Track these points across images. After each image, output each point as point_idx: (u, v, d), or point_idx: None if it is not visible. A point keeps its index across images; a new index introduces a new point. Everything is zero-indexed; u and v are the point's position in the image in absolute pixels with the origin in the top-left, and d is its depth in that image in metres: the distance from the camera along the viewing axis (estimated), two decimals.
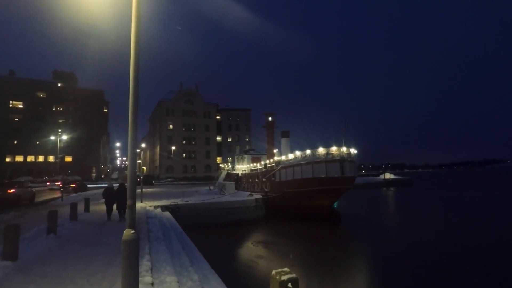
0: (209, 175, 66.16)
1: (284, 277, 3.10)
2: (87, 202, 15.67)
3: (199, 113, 74.17)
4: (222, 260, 10.84)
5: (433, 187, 58.03)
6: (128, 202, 3.13)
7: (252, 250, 14.39)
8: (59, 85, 66.21)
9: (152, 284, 5.29)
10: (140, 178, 23.87)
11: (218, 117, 78.68)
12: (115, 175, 68.64)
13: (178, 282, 5.63)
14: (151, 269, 6.10)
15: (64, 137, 41.82)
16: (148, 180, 47.99)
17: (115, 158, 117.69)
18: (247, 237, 17.39)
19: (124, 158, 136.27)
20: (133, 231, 3.12)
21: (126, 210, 3.17)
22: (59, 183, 31.12)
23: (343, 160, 21.46)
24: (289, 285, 3.06)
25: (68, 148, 57.86)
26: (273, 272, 3.23)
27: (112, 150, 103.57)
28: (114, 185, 14.98)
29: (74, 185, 32.10)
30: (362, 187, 54.09)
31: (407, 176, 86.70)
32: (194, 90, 75.65)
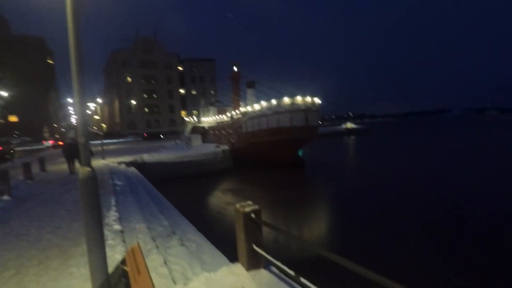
0: (175, 130, 64.74)
1: (247, 209, 3.24)
2: (41, 161, 14.80)
3: (160, 64, 69.76)
4: (192, 209, 11.11)
5: (389, 135, 62.17)
6: (81, 139, 2.96)
7: (220, 198, 14.87)
8: None
9: (122, 231, 5.32)
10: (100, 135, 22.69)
11: (180, 68, 74.81)
12: (72, 133, 64.63)
13: (148, 228, 5.71)
14: (119, 219, 6.11)
15: (4, 94, 37.63)
16: (155, 135, 46.37)
17: (68, 115, 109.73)
18: (215, 186, 17.82)
19: None
20: (89, 169, 2.99)
21: (81, 149, 3.02)
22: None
23: (307, 110, 21.88)
24: (252, 215, 3.21)
25: (10, 107, 51.90)
26: (237, 205, 3.35)
27: (64, 107, 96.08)
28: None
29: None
30: (325, 136, 56.41)
31: (367, 125, 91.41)
32: (152, 38, 70.21)
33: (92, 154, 15.49)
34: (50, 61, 69.66)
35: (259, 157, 23.79)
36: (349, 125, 74.16)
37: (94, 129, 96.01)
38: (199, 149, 23.76)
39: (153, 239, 5.15)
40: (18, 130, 52.67)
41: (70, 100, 60.86)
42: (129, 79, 66.99)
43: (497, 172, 17.60)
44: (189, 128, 37.02)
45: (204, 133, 31.98)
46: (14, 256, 4.40)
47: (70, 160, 13.17)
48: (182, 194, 15.45)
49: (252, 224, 3.21)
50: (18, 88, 53.03)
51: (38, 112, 59.74)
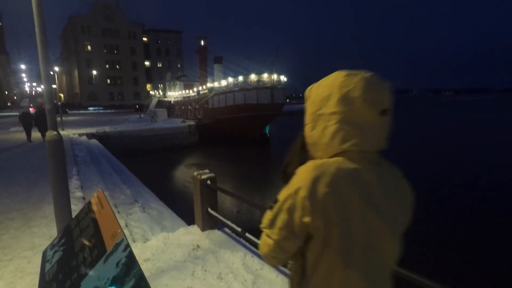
0: (139, 103, 62.40)
1: (204, 176, 3.69)
2: None
3: (123, 32, 65.70)
4: (155, 180, 11.37)
5: None
6: (47, 105, 3.21)
7: (184, 171, 15.19)
8: None
9: (84, 198, 5.57)
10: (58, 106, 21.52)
11: (145, 39, 71.07)
12: (24, 102, 59.50)
13: (110, 196, 6.00)
14: (81, 187, 6.30)
15: None
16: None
17: (21, 82, 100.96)
18: (180, 161, 18.02)
19: (34, 84, 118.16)
20: (56, 132, 3.27)
21: (47, 115, 3.28)
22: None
23: (273, 87, 22.33)
24: (208, 182, 3.67)
25: None
26: (195, 173, 3.78)
27: (15, 73, 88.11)
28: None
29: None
30: (292, 114, 57.49)
31: None
32: (114, 5, 65.52)
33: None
34: None
35: (225, 133, 24.12)
36: None
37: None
38: (164, 123, 23.55)
39: (115, 206, 5.47)
40: None
41: (23, 66, 55.94)
42: (89, 47, 62.71)
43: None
44: (154, 101, 36.09)
45: (169, 107, 31.44)
46: None
47: (28, 128, 13.38)
48: (145, 167, 15.52)
49: (208, 190, 3.67)
50: None
51: None
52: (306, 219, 0.80)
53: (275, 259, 0.93)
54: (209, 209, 3.72)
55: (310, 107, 0.91)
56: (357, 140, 0.81)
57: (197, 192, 3.71)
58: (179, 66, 74.73)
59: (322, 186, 0.77)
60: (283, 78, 23.36)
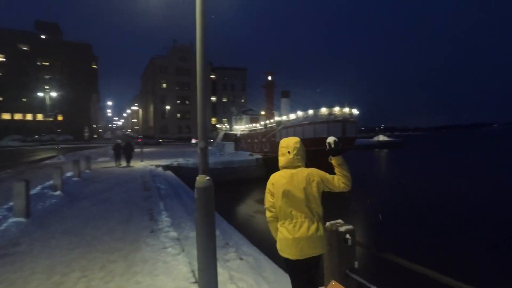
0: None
1: (341, 228, 2.92)
2: (88, 160, 15.32)
3: (194, 71, 70.62)
4: (233, 215, 10.94)
5: (423, 149, 59.15)
6: (200, 144, 2.88)
7: (256, 207, 14.60)
8: (42, 37, 62.06)
9: (178, 239, 5.17)
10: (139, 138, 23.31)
11: (212, 76, 76.36)
12: (108, 135, 67.22)
13: None
14: (172, 225, 5.99)
15: (53, 94, 40.20)
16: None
17: (105, 118, 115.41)
18: (250, 195, 17.60)
19: (116, 118, 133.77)
20: (208, 177, 2.89)
21: (199, 153, 3.02)
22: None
23: (345, 120, 21.26)
24: (347, 236, 2.89)
25: (57, 106, 55.32)
26: (328, 223, 3.05)
27: (103, 109, 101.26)
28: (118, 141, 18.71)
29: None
30: (357, 148, 54.78)
31: (399, 138, 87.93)
32: (189, 47, 72.37)
33: (133, 151, 16.43)
34: (94, 66, 73.88)
35: None
36: (382, 137, 71.75)
37: (129, 131, 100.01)
38: (232, 156, 23.76)
39: None
40: (61, 129, 55.78)
41: (109, 103, 63.80)
42: (164, 85, 69.30)
43: None
44: (221, 134, 37.35)
45: (236, 140, 32.07)
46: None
47: (118, 156, 17.24)
48: (219, 200, 15.32)
49: (347, 246, 2.89)
50: (64, 89, 56.50)
51: (80, 112, 63.23)
52: None
53: None
54: (348, 271, 2.90)
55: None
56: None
57: (333, 248, 2.94)
58: (243, 100, 77.94)
59: None
60: (355, 112, 22.19)
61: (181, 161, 20.18)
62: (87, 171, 14.65)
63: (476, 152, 47.72)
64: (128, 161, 17.49)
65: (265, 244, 8.69)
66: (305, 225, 2.35)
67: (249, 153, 24.96)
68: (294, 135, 22.72)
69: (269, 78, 31.56)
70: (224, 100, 78.44)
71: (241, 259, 4.81)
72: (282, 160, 2.53)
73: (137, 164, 18.77)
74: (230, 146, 27.68)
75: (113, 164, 17.51)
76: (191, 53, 71.67)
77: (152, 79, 69.35)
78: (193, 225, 6.27)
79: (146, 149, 33.40)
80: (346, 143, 21.92)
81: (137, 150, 19.97)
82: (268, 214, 2.45)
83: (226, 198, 16.23)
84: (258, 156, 23.48)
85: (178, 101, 70.59)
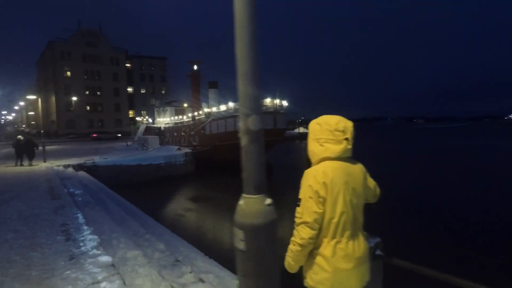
0: (121, 130, 59.42)
1: (370, 243, 2.21)
2: None
3: (105, 58, 63.78)
4: (168, 220, 9.56)
5: None
6: (250, 136, 1.74)
7: (196, 207, 13.34)
8: None
9: (113, 265, 3.81)
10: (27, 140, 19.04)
11: (128, 65, 69.51)
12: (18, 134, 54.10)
13: (145, 255, 4.27)
14: (101, 244, 4.53)
15: None
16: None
17: None
18: (182, 193, 16.17)
19: (4, 112, 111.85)
20: (269, 201, 1.76)
21: (243, 152, 1.79)
22: None
23: (276, 112, 21.27)
24: (378, 252, 2.19)
25: None
26: None
27: None
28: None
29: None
30: (290, 139, 56.95)
31: None
32: (97, 31, 64.12)
33: (37, 148, 13.70)
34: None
35: (223, 161, 22.43)
36: (302, 129, 76.10)
37: (22, 128, 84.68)
38: (158, 151, 21.63)
39: (159, 273, 3.77)
40: None
41: None
42: (68, 73, 60.12)
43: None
44: (142, 128, 34.03)
45: (159, 134, 29.55)
46: None
47: (19, 154, 15.64)
48: (151, 204, 13.52)
49: (377, 264, 2.17)
50: None
51: None
52: None
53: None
54: None
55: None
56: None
57: None
58: (163, 92, 73.11)
59: None
60: (285, 103, 22.41)
61: (96, 159, 17.35)
62: None
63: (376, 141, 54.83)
64: (30, 160, 15.77)
65: (213, 249, 7.67)
66: (362, 240, 1.75)
67: (177, 147, 23.13)
68: (225, 128, 21.98)
69: (195, 67, 29.82)
70: (143, 91, 72.45)
71: (202, 281, 3.77)
72: (335, 149, 1.63)
73: (40, 165, 15.44)
74: (154, 140, 25.27)
75: (11, 165, 15.66)
76: (101, 38, 63.77)
77: (52, 66, 59.39)
78: (128, 240, 4.89)
79: (48, 147, 28.28)
80: (277, 135, 22.05)
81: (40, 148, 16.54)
82: (306, 233, 1.53)
83: (156, 200, 14.50)
84: (188, 150, 21.91)
85: (87, 92, 62.27)
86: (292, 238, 1.57)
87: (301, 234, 1.53)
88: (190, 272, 3.97)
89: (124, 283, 3.34)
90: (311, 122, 1.72)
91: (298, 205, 1.54)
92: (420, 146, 43.96)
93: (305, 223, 1.52)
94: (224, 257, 5.76)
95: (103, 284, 3.25)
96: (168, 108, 32.18)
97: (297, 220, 1.55)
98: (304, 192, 1.54)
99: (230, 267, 4.41)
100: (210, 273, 4.07)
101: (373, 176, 1.83)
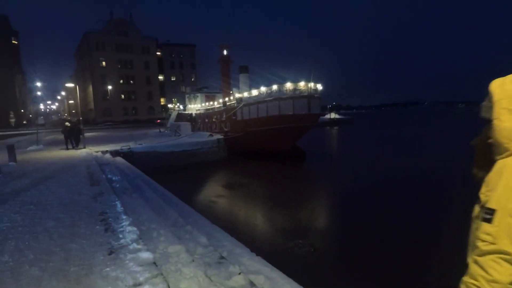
0: (153, 118, 60.98)
1: None
2: (11, 149, 12.19)
3: (136, 48, 65.12)
4: (209, 209, 9.29)
5: (370, 125, 62.46)
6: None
7: (232, 196, 13.05)
8: None
9: (155, 263, 3.42)
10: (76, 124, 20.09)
11: (158, 53, 70.51)
12: (41, 120, 58.09)
13: (187, 251, 3.86)
14: (140, 238, 4.19)
15: None
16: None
17: (36, 100, 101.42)
18: (216, 180, 15.97)
19: (49, 102, 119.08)
20: None
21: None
22: None
23: (310, 96, 20.29)
24: None
25: None
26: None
27: (32, 91, 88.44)
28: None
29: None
30: (322, 125, 55.48)
31: (347, 116, 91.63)
32: (128, 20, 65.34)
33: (82, 134, 14.06)
34: (15, 42, 63.15)
35: (255, 147, 21.99)
36: (333, 115, 73.75)
37: (65, 116, 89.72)
38: (190, 137, 21.59)
39: (206, 274, 3.32)
40: None
41: (38, 84, 55.62)
42: (103, 63, 62.17)
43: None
44: (173, 115, 34.36)
45: (191, 120, 29.63)
46: None
47: (66, 139, 17.00)
48: (182, 191, 13.44)
49: None
50: None
51: (2, 95, 54.11)
52: None
53: None
54: None
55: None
56: None
57: None
58: (193, 79, 73.74)
59: None
60: (319, 87, 21.29)
61: (132, 145, 17.57)
62: (11, 163, 11.68)
63: (411, 127, 51.56)
64: (76, 144, 17.25)
65: (255, 243, 7.21)
66: None
67: (208, 133, 22.98)
68: (257, 113, 21.38)
69: (224, 52, 29.26)
70: (173, 79, 73.48)
71: (253, 284, 3.28)
72: None
73: (79, 151, 15.88)
74: (186, 127, 25.33)
75: (63, 148, 17.07)
76: (132, 27, 64.95)
77: (88, 57, 61.64)
78: (168, 232, 4.52)
79: (87, 134, 29.44)
80: (311, 120, 21.12)
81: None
82: (502, 271, 0.90)
83: (190, 187, 14.39)
84: (219, 136, 21.67)
85: (121, 81, 64.21)
86: (467, 279, 0.94)
87: (492, 271, 0.90)
88: (239, 274, 3.50)
89: (168, 285, 2.92)
90: (495, 82, 1.05)
91: (488, 220, 0.90)
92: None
93: (502, 253, 0.89)
94: (267, 253, 5.29)
95: (146, 287, 2.84)
96: (198, 94, 32.11)
97: (482, 246, 0.91)
98: (505, 200, 0.90)
99: (279, 266, 3.91)
100: (260, 274, 3.57)
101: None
